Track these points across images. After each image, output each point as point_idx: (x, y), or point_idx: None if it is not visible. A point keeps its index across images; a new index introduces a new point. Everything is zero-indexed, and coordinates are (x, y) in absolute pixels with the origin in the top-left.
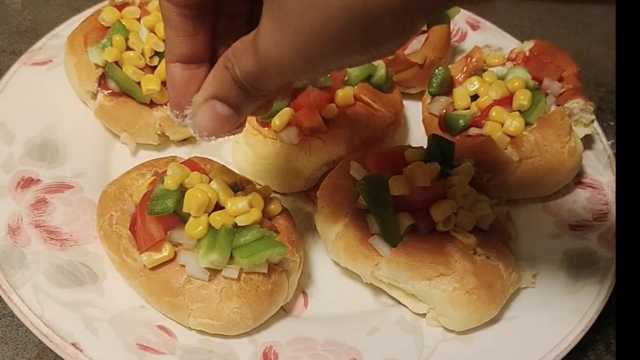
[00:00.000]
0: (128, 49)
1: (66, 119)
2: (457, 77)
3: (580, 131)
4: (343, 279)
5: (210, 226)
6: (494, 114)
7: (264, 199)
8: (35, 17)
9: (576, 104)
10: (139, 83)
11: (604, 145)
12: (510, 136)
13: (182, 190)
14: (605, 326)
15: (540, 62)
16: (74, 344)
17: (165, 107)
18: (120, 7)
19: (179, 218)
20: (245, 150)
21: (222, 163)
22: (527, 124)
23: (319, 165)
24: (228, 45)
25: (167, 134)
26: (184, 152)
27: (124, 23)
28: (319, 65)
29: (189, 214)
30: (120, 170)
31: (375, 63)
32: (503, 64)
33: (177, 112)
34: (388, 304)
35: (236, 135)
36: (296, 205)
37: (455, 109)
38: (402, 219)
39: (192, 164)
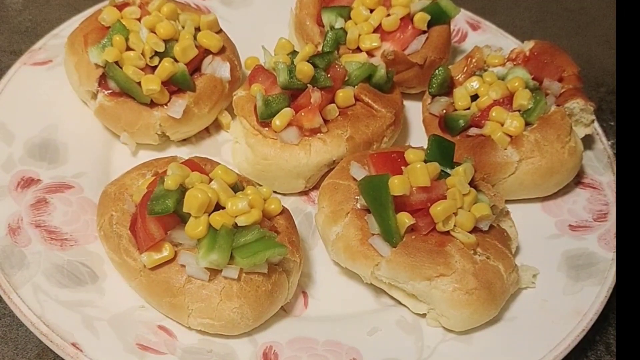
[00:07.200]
0: (128, 49)
1: (66, 119)
2: (457, 77)
3: (581, 131)
4: (343, 279)
5: (210, 226)
6: (494, 114)
7: (264, 199)
8: (35, 17)
9: (576, 104)
10: (139, 83)
11: (604, 146)
12: (510, 136)
13: (182, 190)
14: (605, 326)
15: (540, 62)
16: (73, 344)
17: (165, 107)
18: (120, 7)
19: (179, 218)
20: (246, 150)
21: (222, 163)
22: (527, 123)
23: (319, 165)
24: None
25: (167, 134)
26: (184, 152)
27: (124, 23)
28: None
29: (189, 214)
30: (120, 170)
31: (375, 63)
32: (503, 64)
33: None
34: (388, 304)
35: (236, 135)
36: (296, 205)
37: (455, 109)
38: (402, 219)
39: (192, 164)
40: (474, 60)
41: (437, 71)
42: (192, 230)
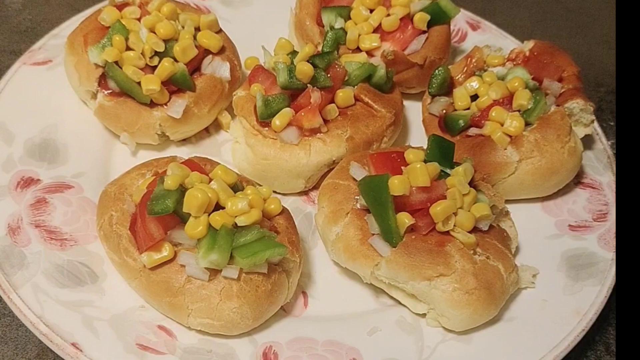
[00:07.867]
0: (128, 49)
1: (66, 119)
2: (457, 78)
3: (580, 131)
4: (343, 279)
5: (210, 226)
6: (494, 114)
7: (264, 199)
8: (35, 17)
9: (576, 104)
10: (139, 83)
11: (604, 146)
12: (510, 136)
13: (182, 190)
14: (605, 327)
15: (540, 62)
16: (73, 344)
17: (165, 107)
18: (120, 7)
19: (179, 218)
20: (245, 150)
21: (222, 163)
22: (527, 124)
23: (319, 165)
24: None
25: (167, 133)
26: (184, 152)
27: (124, 23)
28: None
29: (189, 214)
30: (120, 170)
31: (375, 63)
32: (503, 64)
33: None
34: (388, 304)
35: (236, 135)
36: (296, 205)
37: (455, 109)
38: (402, 219)
39: (192, 164)
40: (473, 60)
41: (437, 71)
42: (192, 230)
